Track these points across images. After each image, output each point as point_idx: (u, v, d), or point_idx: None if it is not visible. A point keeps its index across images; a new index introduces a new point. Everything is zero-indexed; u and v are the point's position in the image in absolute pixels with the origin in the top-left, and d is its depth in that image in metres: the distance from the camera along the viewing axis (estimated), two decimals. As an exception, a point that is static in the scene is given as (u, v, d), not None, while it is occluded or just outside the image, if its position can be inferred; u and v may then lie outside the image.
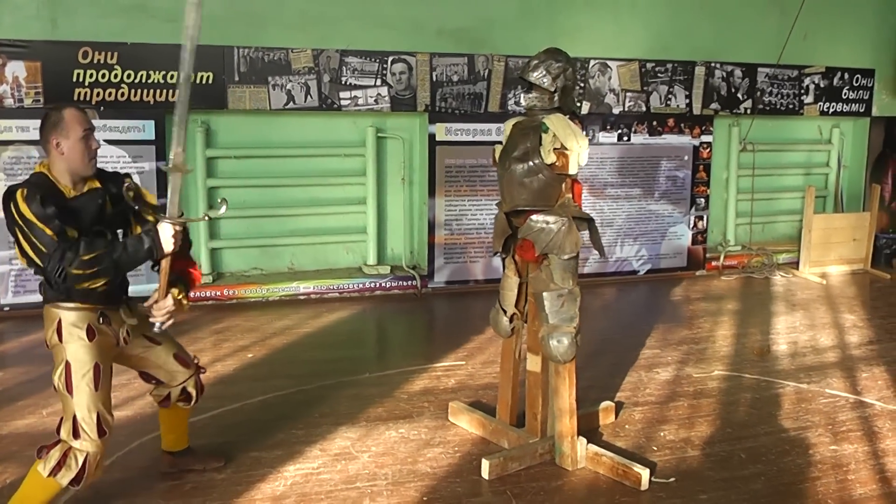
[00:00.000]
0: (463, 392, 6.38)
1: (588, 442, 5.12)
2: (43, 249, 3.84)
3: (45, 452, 4.06)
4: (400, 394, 6.35)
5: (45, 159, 4.13)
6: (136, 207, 4.23)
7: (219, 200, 4.34)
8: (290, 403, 6.12)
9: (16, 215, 3.86)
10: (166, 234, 4.03)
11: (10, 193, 3.92)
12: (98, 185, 4.17)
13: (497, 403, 5.69)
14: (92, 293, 4.02)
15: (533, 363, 5.26)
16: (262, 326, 8.16)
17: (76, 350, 4.05)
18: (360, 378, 6.69)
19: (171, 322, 4.23)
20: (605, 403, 5.86)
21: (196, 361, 4.75)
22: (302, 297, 9.25)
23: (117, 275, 4.08)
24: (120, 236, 4.23)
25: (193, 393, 4.66)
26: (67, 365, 4.03)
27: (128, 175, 4.31)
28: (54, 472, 3.99)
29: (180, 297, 4.22)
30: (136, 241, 4.02)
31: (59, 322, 4.05)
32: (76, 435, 4.02)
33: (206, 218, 4.28)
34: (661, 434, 5.65)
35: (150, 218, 4.23)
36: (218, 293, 8.89)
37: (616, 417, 5.86)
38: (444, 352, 7.43)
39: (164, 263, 4.14)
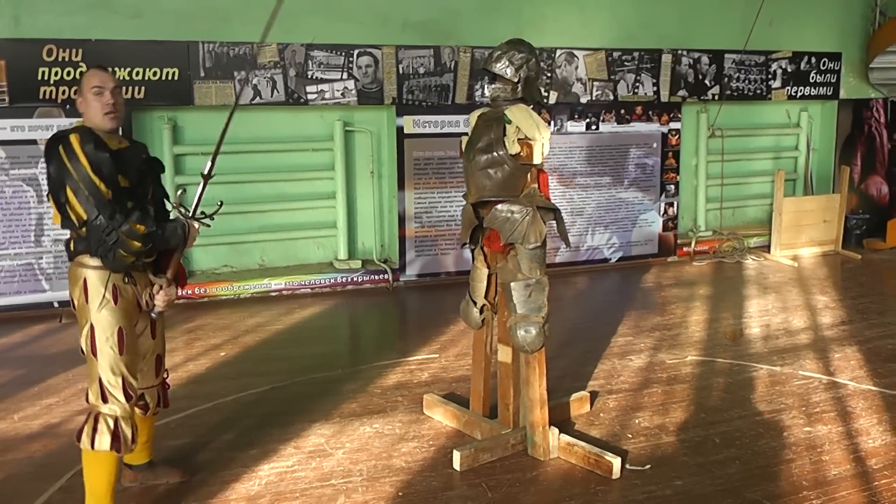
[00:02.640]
0: (437, 385, 6.36)
1: (560, 432, 5.12)
2: (92, 201, 3.87)
3: (82, 431, 4.09)
4: (374, 388, 6.32)
5: (80, 119, 4.22)
6: (182, 211, 4.34)
7: (217, 204, 4.47)
8: (264, 401, 6.08)
9: (67, 161, 3.88)
10: (194, 232, 4.29)
11: (60, 138, 3.95)
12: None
13: (470, 395, 5.67)
14: (124, 264, 4.02)
15: (504, 354, 5.24)
16: (234, 324, 8.11)
17: (101, 312, 4.05)
18: (334, 374, 6.65)
19: (164, 308, 4.30)
20: (580, 393, 5.86)
21: (165, 377, 4.69)
22: (273, 294, 9.21)
23: (151, 252, 4.12)
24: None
25: (151, 404, 4.56)
26: (92, 327, 4.06)
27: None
28: (93, 442, 4.04)
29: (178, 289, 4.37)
30: (174, 229, 4.18)
31: (85, 281, 4.05)
32: (104, 399, 4.07)
33: (210, 219, 4.43)
34: (636, 421, 5.65)
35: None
36: (189, 291, 8.82)
37: (591, 407, 5.85)
38: (417, 345, 7.41)
39: (177, 255, 4.29)
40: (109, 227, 3.86)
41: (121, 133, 4.33)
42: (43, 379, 6.53)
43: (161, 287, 4.23)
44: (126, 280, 4.11)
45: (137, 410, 4.49)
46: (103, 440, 4.03)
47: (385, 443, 5.34)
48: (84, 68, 8.15)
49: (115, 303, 4.06)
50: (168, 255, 4.26)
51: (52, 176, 3.95)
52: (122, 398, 4.07)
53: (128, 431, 4.10)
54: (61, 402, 6.05)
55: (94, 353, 4.05)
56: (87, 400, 4.14)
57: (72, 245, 4.08)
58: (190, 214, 4.31)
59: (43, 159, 8.04)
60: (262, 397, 6.16)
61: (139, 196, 4.15)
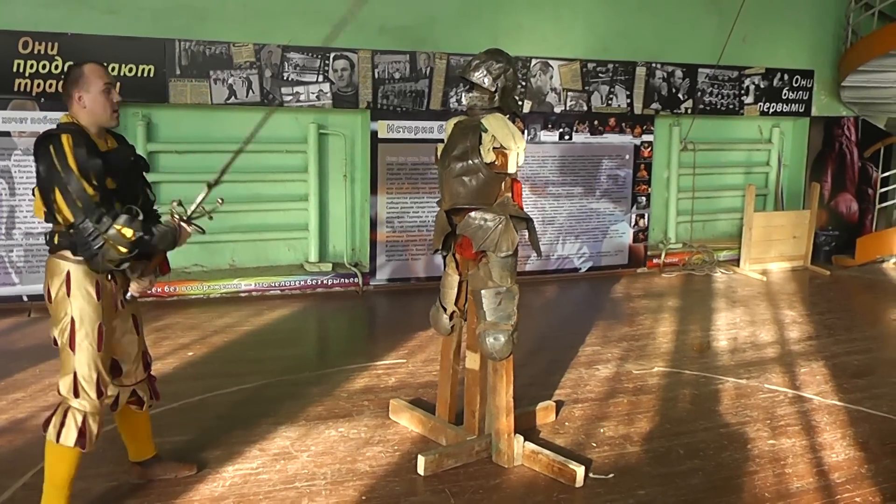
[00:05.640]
0: (404, 390, 6.36)
1: (526, 440, 5.13)
2: (79, 205, 3.84)
3: (49, 421, 4.11)
4: (340, 392, 6.31)
5: (67, 114, 4.13)
6: (177, 219, 4.31)
7: (218, 201, 4.51)
8: (230, 402, 6.06)
9: (56, 161, 3.85)
10: (185, 236, 4.28)
11: (50, 136, 3.91)
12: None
13: (437, 401, 5.68)
14: (110, 264, 4.00)
15: (472, 361, 5.25)
16: (202, 324, 8.08)
17: (83, 307, 4.03)
18: (301, 377, 6.64)
19: (137, 295, 4.31)
20: (546, 402, 5.87)
21: (149, 369, 4.69)
22: (243, 295, 9.19)
23: (138, 254, 4.08)
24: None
25: (144, 397, 4.57)
26: (73, 321, 4.03)
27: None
28: (59, 435, 4.04)
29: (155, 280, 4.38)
30: (164, 234, 4.14)
31: (68, 275, 4.02)
32: (76, 393, 4.05)
33: (209, 217, 4.47)
34: (601, 430, 5.68)
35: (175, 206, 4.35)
36: (158, 290, 8.77)
37: (556, 416, 5.87)
38: (385, 350, 7.41)
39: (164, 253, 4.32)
40: (95, 231, 3.84)
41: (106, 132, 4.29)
42: (10, 374, 6.49)
43: (142, 273, 4.22)
44: (109, 277, 4.11)
45: (132, 406, 4.54)
46: (69, 435, 4.03)
47: (350, 447, 5.34)
48: (60, 62, 8.14)
49: (98, 298, 4.05)
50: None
51: (42, 174, 3.93)
52: (93, 394, 4.06)
53: (94, 428, 4.09)
54: (28, 398, 6.00)
55: (73, 347, 4.04)
56: (58, 392, 4.12)
57: (55, 239, 4.04)
58: (186, 217, 4.31)
59: (17, 152, 8.13)
60: (229, 398, 6.14)
61: (127, 197, 4.11)
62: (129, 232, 3.90)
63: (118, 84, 8.21)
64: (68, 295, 4.02)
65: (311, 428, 5.60)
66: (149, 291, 4.41)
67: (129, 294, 4.25)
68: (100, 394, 4.09)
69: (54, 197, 3.87)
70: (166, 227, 4.19)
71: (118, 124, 4.24)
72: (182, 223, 4.27)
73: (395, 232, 9.76)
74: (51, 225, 4.07)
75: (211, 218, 4.43)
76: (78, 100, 4.08)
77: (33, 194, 4.12)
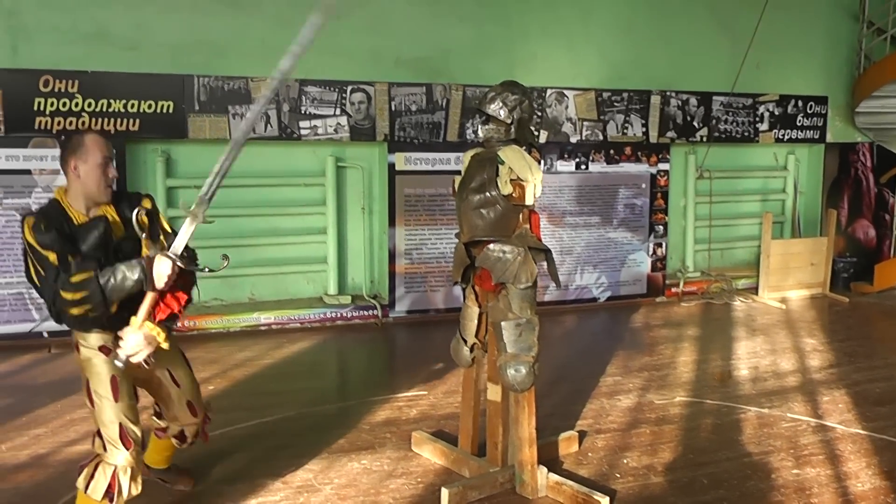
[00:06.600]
0: (425, 422, 6.35)
1: (549, 471, 5.12)
2: (42, 273, 3.87)
3: (83, 468, 4.17)
4: (362, 424, 6.31)
5: (63, 185, 4.16)
6: (143, 235, 4.11)
7: (221, 257, 4.25)
8: (252, 436, 6.06)
9: (24, 241, 3.92)
10: (161, 269, 3.90)
11: (22, 220, 3.96)
12: (110, 210, 4.16)
13: (459, 433, 5.68)
14: (85, 321, 3.97)
15: (493, 392, 5.25)
16: (222, 358, 8.10)
17: (92, 365, 4.12)
18: (322, 409, 6.65)
19: (138, 359, 3.95)
20: (568, 433, 5.86)
21: (207, 411, 4.84)
22: (263, 328, 9.21)
23: (106, 302, 3.86)
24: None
25: (189, 437, 4.75)
26: (87, 382, 4.15)
27: (148, 196, 4.36)
28: (88, 486, 4.09)
29: (153, 332, 3.99)
30: (128, 268, 3.86)
31: (78, 341, 4.15)
32: (105, 448, 4.12)
33: (207, 270, 4.18)
34: (624, 461, 5.66)
35: (163, 240, 4.22)
36: (178, 324, 8.78)
37: (579, 446, 5.86)
38: (405, 382, 7.40)
39: (150, 296, 3.96)
40: (52, 290, 3.83)
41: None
42: (31, 409, 6.51)
43: (125, 334, 3.96)
44: (116, 341, 3.99)
45: (173, 440, 4.71)
46: (97, 488, 4.08)
47: (373, 479, 5.33)
48: (80, 100, 8.24)
49: (106, 355, 4.09)
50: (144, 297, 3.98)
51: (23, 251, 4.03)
52: (121, 447, 4.08)
53: (125, 482, 4.10)
54: (49, 433, 6.02)
55: (92, 404, 4.13)
56: (92, 444, 4.22)
57: None
58: (166, 251, 3.97)
59: (38, 189, 8.26)
60: (251, 432, 6.14)
61: (93, 259, 3.95)
62: (76, 276, 3.81)
63: (136, 120, 8.48)
64: (78, 353, 4.15)
65: (333, 461, 5.60)
66: (148, 362, 4.06)
67: (116, 360, 3.95)
68: (127, 444, 4.10)
69: (29, 272, 3.97)
70: (130, 262, 3.91)
71: (110, 200, 4.15)
72: (164, 258, 3.92)
73: (413, 263, 9.78)
74: None
75: (202, 268, 4.18)
76: (73, 168, 4.06)
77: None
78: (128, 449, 4.10)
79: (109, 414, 4.08)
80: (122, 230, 4.14)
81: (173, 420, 4.68)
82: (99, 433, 4.12)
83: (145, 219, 4.16)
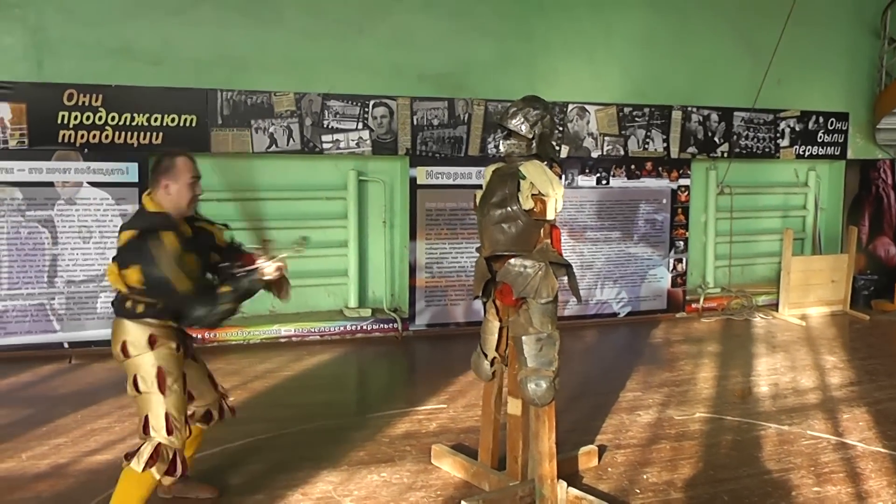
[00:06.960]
0: (445, 435, 6.36)
1: (569, 485, 5.12)
2: (174, 286, 4.27)
3: (132, 455, 4.42)
4: (382, 437, 6.33)
5: (150, 195, 4.56)
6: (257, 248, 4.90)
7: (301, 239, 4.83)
8: (272, 447, 6.09)
9: (154, 251, 4.25)
10: (269, 269, 4.73)
11: (150, 232, 4.31)
12: (183, 223, 4.61)
13: (479, 447, 5.69)
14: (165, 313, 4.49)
15: (513, 406, 5.26)
16: (243, 370, 8.14)
17: (168, 358, 4.50)
18: (342, 422, 6.67)
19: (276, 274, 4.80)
20: (588, 447, 5.86)
21: (221, 389, 5.16)
22: (283, 340, 9.24)
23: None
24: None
25: (215, 414, 5.01)
26: (160, 370, 4.45)
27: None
28: (149, 465, 4.36)
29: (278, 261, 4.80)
30: (244, 284, 4.65)
31: (151, 335, 4.47)
32: (169, 431, 4.43)
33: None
34: (644, 477, 5.65)
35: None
36: (199, 336, 8.84)
37: (599, 461, 5.86)
38: (425, 395, 7.42)
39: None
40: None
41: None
42: (51, 419, 6.56)
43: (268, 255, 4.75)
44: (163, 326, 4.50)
45: (199, 426, 4.99)
46: (160, 468, 4.37)
47: (393, 492, 5.35)
48: (104, 113, 8.36)
49: (178, 351, 4.57)
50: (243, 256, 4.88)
51: (135, 260, 4.29)
52: (185, 432, 4.54)
53: (180, 460, 4.47)
54: (70, 443, 6.07)
55: (163, 392, 4.43)
56: (143, 432, 4.41)
57: (137, 308, 4.45)
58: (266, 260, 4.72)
59: (60, 202, 8.28)
60: (271, 443, 6.17)
61: (205, 267, 4.67)
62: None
63: (160, 134, 8.55)
64: (152, 349, 4.42)
65: (353, 473, 5.62)
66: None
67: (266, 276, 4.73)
68: (169, 431, 4.42)
69: (149, 277, 4.27)
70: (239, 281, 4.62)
71: (193, 213, 4.69)
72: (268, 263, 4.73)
73: (434, 277, 9.80)
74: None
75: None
76: (165, 188, 4.49)
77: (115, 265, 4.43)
78: (170, 434, 4.43)
79: (179, 403, 4.49)
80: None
81: (200, 398, 4.91)
82: (167, 417, 4.41)
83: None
